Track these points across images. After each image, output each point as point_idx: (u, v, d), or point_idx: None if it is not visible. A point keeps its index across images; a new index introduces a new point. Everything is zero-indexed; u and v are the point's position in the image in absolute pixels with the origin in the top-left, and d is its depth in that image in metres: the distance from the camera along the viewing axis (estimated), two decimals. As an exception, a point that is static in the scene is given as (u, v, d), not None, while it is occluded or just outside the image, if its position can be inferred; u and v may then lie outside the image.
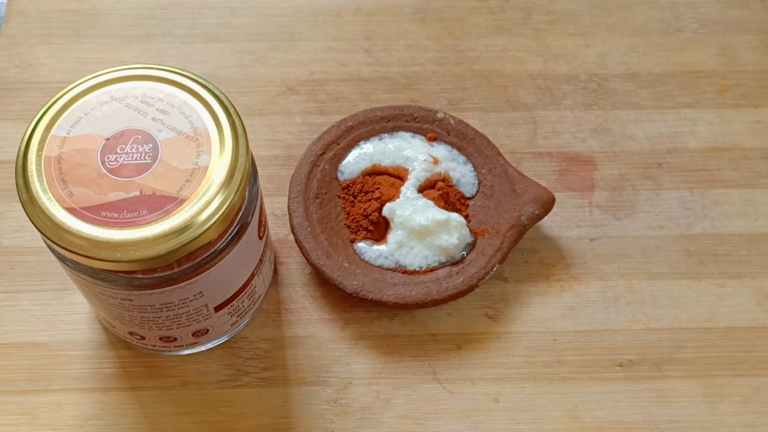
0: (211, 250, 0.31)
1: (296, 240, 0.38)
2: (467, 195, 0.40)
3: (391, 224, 0.39)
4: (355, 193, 0.40)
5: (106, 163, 0.30)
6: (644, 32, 0.47)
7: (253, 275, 0.35)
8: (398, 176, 0.40)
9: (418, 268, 0.38)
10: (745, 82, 0.45)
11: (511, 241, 0.38)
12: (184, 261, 0.30)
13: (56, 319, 0.38)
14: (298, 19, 0.47)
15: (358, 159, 0.40)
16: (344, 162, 0.40)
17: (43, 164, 0.30)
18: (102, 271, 0.30)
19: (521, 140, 0.43)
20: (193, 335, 0.35)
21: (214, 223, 0.29)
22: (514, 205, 0.39)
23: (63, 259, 0.31)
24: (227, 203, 0.29)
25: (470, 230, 0.39)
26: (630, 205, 0.42)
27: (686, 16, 0.47)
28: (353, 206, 0.39)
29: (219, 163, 0.30)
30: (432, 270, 0.38)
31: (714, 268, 0.40)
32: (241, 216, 0.32)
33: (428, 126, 0.41)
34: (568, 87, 0.45)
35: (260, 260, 0.35)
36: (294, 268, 0.40)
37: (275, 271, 0.40)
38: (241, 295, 0.35)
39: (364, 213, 0.39)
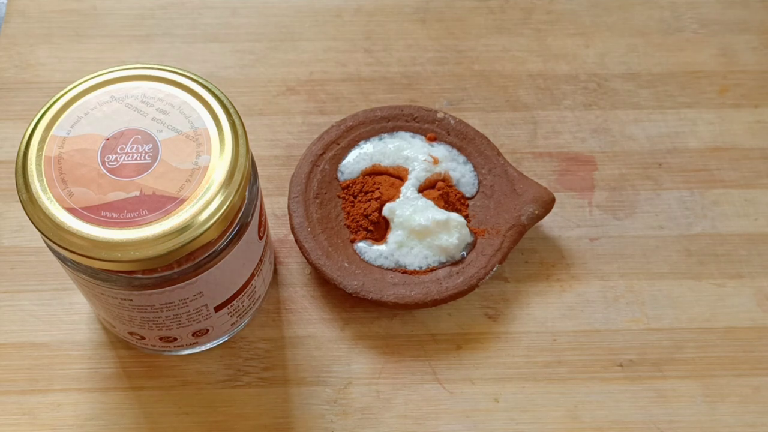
0: (211, 250, 0.31)
1: (296, 240, 0.38)
2: (467, 195, 0.40)
3: (391, 224, 0.39)
4: (355, 193, 0.40)
5: (106, 163, 0.30)
6: (644, 32, 0.47)
7: (253, 275, 0.35)
8: (398, 176, 0.40)
9: (418, 268, 0.38)
10: (745, 82, 0.45)
11: (511, 241, 0.38)
12: (184, 261, 0.30)
13: (56, 319, 0.38)
14: (298, 19, 0.47)
15: (358, 159, 0.40)
16: (344, 162, 0.40)
17: (43, 164, 0.30)
18: (102, 271, 0.30)
19: (521, 140, 0.43)
20: (193, 335, 0.35)
21: (214, 223, 0.29)
22: (514, 205, 0.39)
23: (63, 259, 0.31)
24: (227, 203, 0.29)
25: (470, 230, 0.39)
26: (630, 205, 0.42)
27: (686, 16, 0.47)
28: (353, 206, 0.39)
29: (219, 163, 0.30)
30: (432, 270, 0.38)
31: (714, 268, 0.40)
32: (241, 216, 0.32)
33: (428, 126, 0.41)
34: (568, 87, 0.45)
35: (260, 260, 0.35)
36: (294, 268, 0.40)
37: (275, 271, 0.40)
38: (241, 295, 0.35)
39: (364, 213, 0.39)
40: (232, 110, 0.31)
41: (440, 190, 0.39)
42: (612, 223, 0.41)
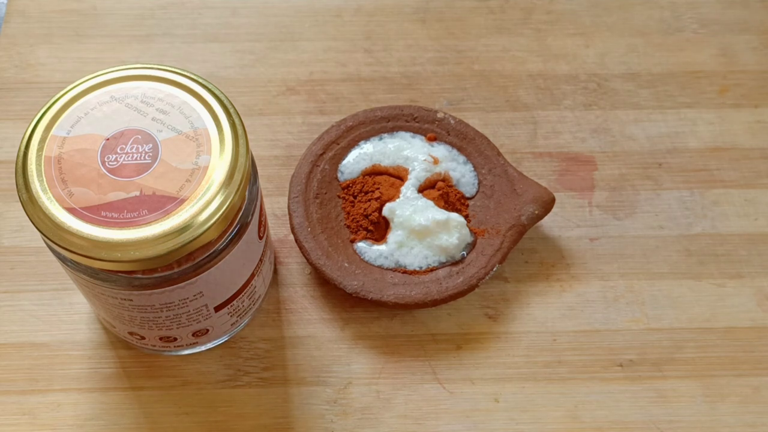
0: (211, 250, 0.31)
1: (296, 240, 0.38)
2: (467, 195, 0.40)
3: (391, 224, 0.39)
4: (355, 193, 0.40)
5: (106, 163, 0.30)
6: (644, 32, 0.47)
7: (253, 275, 0.35)
8: (398, 176, 0.40)
9: (418, 268, 0.38)
10: (745, 82, 0.45)
11: (511, 241, 0.38)
12: (184, 261, 0.30)
13: (56, 319, 0.38)
14: (298, 19, 0.47)
15: (358, 159, 0.40)
16: (344, 162, 0.40)
17: (43, 164, 0.30)
18: (102, 271, 0.30)
19: (521, 140, 0.43)
20: (193, 335, 0.35)
21: (214, 223, 0.29)
22: (514, 205, 0.39)
23: (63, 259, 0.31)
24: (227, 203, 0.29)
25: (470, 230, 0.39)
26: (630, 205, 0.42)
27: (686, 16, 0.47)
28: (353, 206, 0.39)
29: (219, 163, 0.30)
30: (432, 270, 0.38)
31: (714, 268, 0.40)
32: (241, 216, 0.32)
33: (428, 126, 0.41)
34: (568, 87, 0.45)
35: (260, 260, 0.35)
36: (294, 268, 0.40)
37: (275, 271, 0.40)
38: (241, 295, 0.35)
39: (364, 213, 0.39)
40: (232, 110, 0.31)
41: (440, 190, 0.39)
42: (612, 223, 0.41)
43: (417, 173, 0.40)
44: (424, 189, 0.40)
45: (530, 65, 0.46)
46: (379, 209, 0.39)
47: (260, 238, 0.34)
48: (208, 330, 0.35)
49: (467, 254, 0.38)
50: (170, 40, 0.46)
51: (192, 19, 0.47)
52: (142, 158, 0.30)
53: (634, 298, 0.39)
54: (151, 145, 0.30)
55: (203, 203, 0.29)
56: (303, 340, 0.38)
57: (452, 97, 0.45)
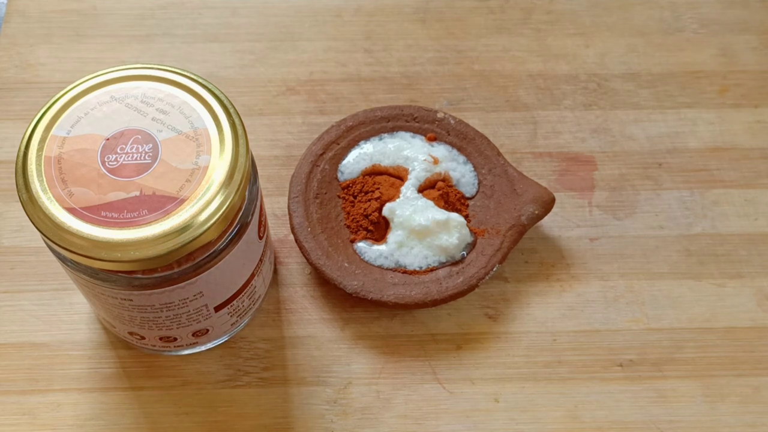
0: (211, 250, 0.31)
1: (296, 240, 0.38)
2: (467, 195, 0.40)
3: (391, 224, 0.39)
4: (355, 193, 0.40)
5: (106, 163, 0.30)
6: (644, 32, 0.47)
7: (253, 275, 0.35)
8: (398, 176, 0.40)
9: (418, 268, 0.38)
10: (745, 82, 0.45)
11: (511, 241, 0.38)
12: (184, 261, 0.30)
13: (56, 319, 0.38)
14: (298, 19, 0.47)
15: (358, 159, 0.40)
16: (344, 162, 0.40)
17: (43, 164, 0.30)
18: (102, 271, 0.30)
19: (521, 140, 0.43)
20: (193, 335, 0.35)
21: (214, 223, 0.29)
22: (514, 205, 0.39)
23: (63, 259, 0.31)
24: (227, 203, 0.29)
25: (470, 230, 0.39)
26: (630, 205, 0.42)
27: (686, 16, 0.47)
28: (353, 206, 0.39)
29: (219, 163, 0.30)
30: (432, 270, 0.38)
31: (714, 268, 0.40)
32: (241, 216, 0.32)
33: (428, 126, 0.41)
34: (568, 87, 0.45)
35: (260, 260, 0.35)
36: (294, 268, 0.40)
37: (275, 271, 0.40)
38: (241, 295, 0.35)
39: (364, 213, 0.39)
40: (232, 110, 0.31)
41: (440, 190, 0.39)
42: (612, 223, 0.41)
43: (417, 173, 0.40)
44: (424, 189, 0.40)
45: (530, 65, 0.46)
46: (379, 209, 0.39)
47: (260, 238, 0.34)
48: (208, 330, 0.35)
49: (467, 254, 0.38)
50: (170, 40, 0.46)
51: (192, 19, 0.47)
52: (142, 158, 0.30)
53: (634, 298, 0.39)
54: (151, 145, 0.30)
55: (203, 203, 0.29)
56: (303, 340, 0.38)
57: (452, 97, 0.45)
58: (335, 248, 0.38)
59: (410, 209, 0.38)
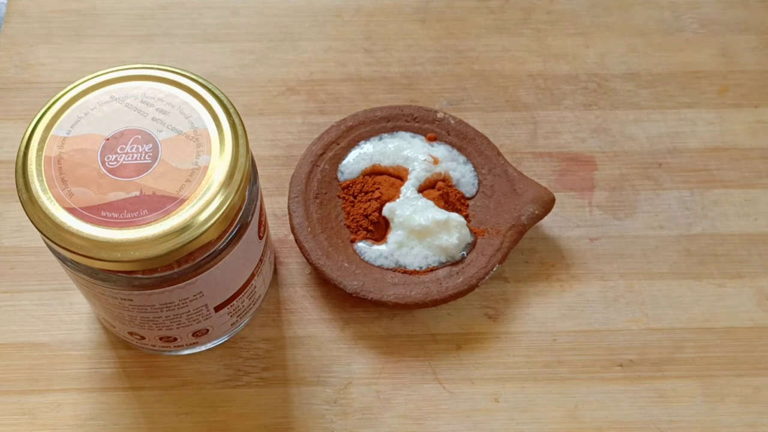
0: (211, 250, 0.31)
1: (296, 240, 0.38)
2: (467, 195, 0.40)
3: (391, 224, 0.39)
4: (355, 193, 0.40)
5: (106, 163, 0.30)
6: (644, 32, 0.47)
7: (253, 275, 0.35)
8: (398, 176, 0.40)
9: (418, 268, 0.38)
10: (745, 82, 0.45)
11: (511, 241, 0.38)
12: (184, 261, 0.30)
13: (56, 319, 0.38)
14: (298, 19, 0.47)
15: (358, 159, 0.40)
16: (344, 162, 0.40)
17: (43, 164, 0.30)
18: (102, 271, 0.30)
19: (521, 140, 0.43)
20: (193, 335, 0.35)
21: (214, 223, 0.29)
22: (514, 205, 0.39)
23: (63, 259, 0.31)
24: (227, 203, 0.29)
25: (470, 230, 0.39)
26: (630, 205, 0.42)
27: (686, 16, 0.47)
28: (353, 206, 0.39)
29: (219, 163, 0.30)
30: (432, 270, 0.38)
31: (714, 268, 0.40)
32: (241, 216, 0.32)
33: (428, 126, 0.41)
34: (568, 87, 0.45)
35: (260, 260, 0.35)
36: (294, 268, 0.40)
37: (275, 271, 0.40)
38: (241, 295, 0.35)
39: (364, 213, 0.39)
40: (232, 110, 0.31)
41: (440, 190, 0.39)
42: (612, 223, 0.41)
43: (417, 173, 0.40)
44: (424, 189, 0.40)
45: (530, 65, 0.46)
46: (379, 209, 0.39)
47: (260, 238, 0.34)
48: (208, 330, 0.35)
49: (467, 254, 0.38)
50: (170, 40, 0.46)
51: (192, 19, 0.47)
52: (142, 158, 0.30)
53: (634, 298, 0.39)
54: (151, 145, 0.30)
55: (203, 203, 0.29)
56: (303, 340, 0.38)
57: (452, 97, 0.45)
58: (335, 248, 0.38)
59: (410, 209, 0.38)
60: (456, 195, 0.40)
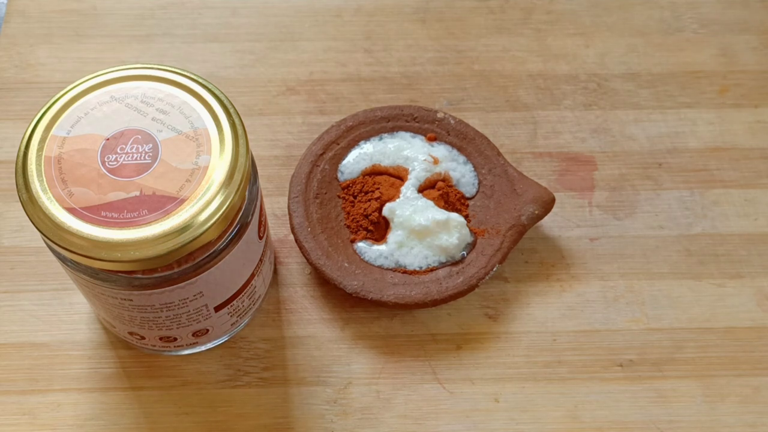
0: (211, 250, 0.31)
1: (296, 240, 0.38)
2: (467, 195, 0.40)
3: (391, 224, 0.39)
4: (355, 193, 0.40)
5: (106, 163, 0.30)
6: (644, 32, 0.47)
7: (253, 275, 0.35)
8: (398, 176, 0.40)
9: (418, 268, 0.38)
10: (745, 82, 0.45)
11: (511, 241, 0.38)
12: (184, 261, 0.30)
13: (56, 319, 0.38)
14: (298, 19, 0.47)
15: (358, 159, 0.40)
16: (344, 162, 0.40)
17: (43, 164, 0.30)
18: (102, 271, 0.30)
19: (521, 140, 0.43)
20: (193, 335, 0.35)
21: (214, 223, 0.29)
22: (514, 205, 0.39)
23: (63, 259, 0.31)
24: (227, 203, 0.29)
25: (470, 230, 0.39)
26: (630, 205, 0.42)
27: (686, 16, 0.47)
28: (353, 206, 0.39)
29: (219, 163, 0.30)
30: (432, 270, 0.38)
31: (714, 268, 0.40)
32: (241, 216, 0.32)
33: (428, 126, 0.41)
34: (568, 87, 0.45)
35: (260, 260, 0.35)
36: (294, 268, 0.40)
37: (275, 271, 0.40)
38: (241, 295, 0.35)
39: (364, 213, 0.39)
40: (232, 110, 0.31)
41: (440, 190, 0.39)
42: (612, 223, 0.41)
43: (417, 173, 0.40)
44: (424, 189, 0.40)
45: (530, 65, 0.46)
46: (379, 209, 0.39)
47: (260, 238, 0.34)
48: (208, 330, 0.35)
49: (467, 254, 0.38)
50: (170, 40, 0.46)
51: (192, 19, 0.47)
52: (142, 158, 0.30)
53: (634, 298, 0.39)
54: (151, 145, 0.30)
55: (203, 203, 0.29)
56: (303, 340, 0.38)
57: (452, 97, 0.45)
58: (335, 248, 0.38)
59: (410, 209, 0.38)
60: (456, 195, 0.40)
